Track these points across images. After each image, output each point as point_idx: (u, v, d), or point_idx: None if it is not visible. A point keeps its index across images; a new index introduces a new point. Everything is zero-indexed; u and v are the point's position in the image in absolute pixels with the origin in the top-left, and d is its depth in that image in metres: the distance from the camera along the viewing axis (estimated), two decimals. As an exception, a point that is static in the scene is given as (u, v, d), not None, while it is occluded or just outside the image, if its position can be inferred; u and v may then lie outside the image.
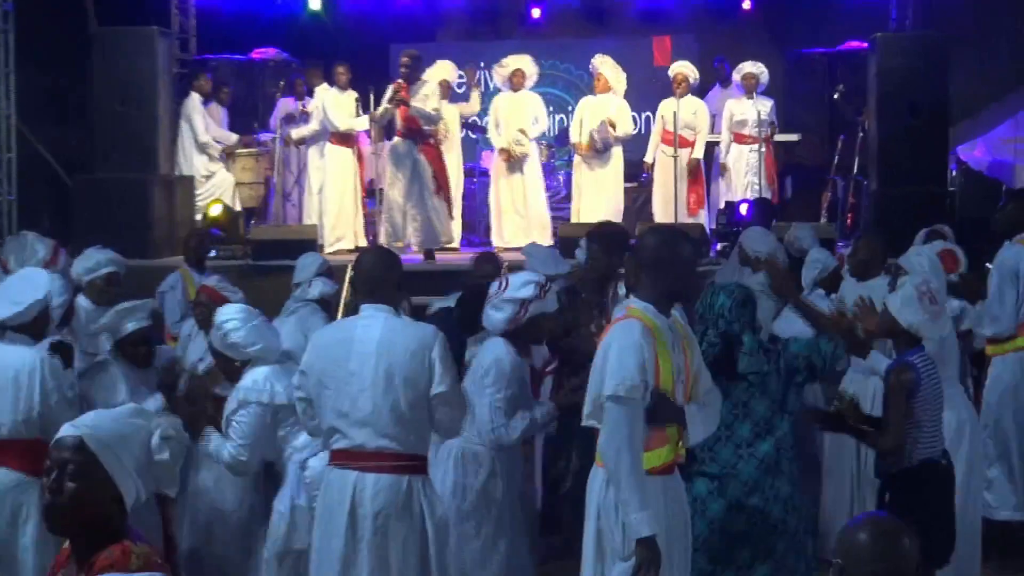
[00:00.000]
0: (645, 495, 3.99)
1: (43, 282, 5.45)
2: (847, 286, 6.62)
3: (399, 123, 10.50)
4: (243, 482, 5.33)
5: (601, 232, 6.61)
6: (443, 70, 11.58)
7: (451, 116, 11.67)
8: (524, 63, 11.79)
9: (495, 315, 5.26)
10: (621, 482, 4.01)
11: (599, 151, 11.55)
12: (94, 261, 7.30)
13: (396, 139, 10.63)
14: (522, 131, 11.53)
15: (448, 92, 11.51)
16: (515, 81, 11.71)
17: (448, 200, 10.84)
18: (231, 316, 5.16)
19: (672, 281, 4.21)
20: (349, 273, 8.53)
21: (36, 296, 5.29)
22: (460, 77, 12.03)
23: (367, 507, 4.43)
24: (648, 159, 11.92)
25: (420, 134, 10.53)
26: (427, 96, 10.48)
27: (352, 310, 7.63)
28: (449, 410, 4.55)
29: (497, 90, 12.13)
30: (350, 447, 4.47)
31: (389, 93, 10.46)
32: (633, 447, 4.02)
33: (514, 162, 11.61)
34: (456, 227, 11.47)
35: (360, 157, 11.65)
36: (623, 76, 11.63)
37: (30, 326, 5.27)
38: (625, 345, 4.06)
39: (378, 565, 4.43)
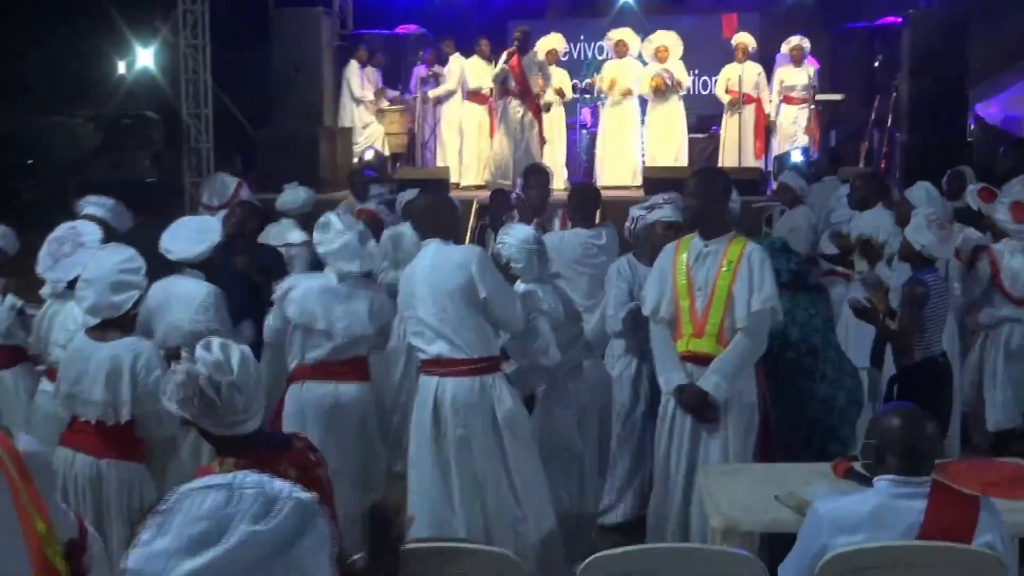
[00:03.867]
0: (665, 365, 4.92)
1: (216, 227, 5.68)
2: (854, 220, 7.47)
3: (513, 84, 11.72)
4: None
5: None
6: (552, 41, 12.71)
7: (559, 78, 12.55)
8: (626, 35, 12.66)
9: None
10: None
11: (664, 91, 12.52)
12: (302, 200, 7.96)
13: (509, 98, 11.87)
14: (628, 91, 12.50)
15: (555, 59, 12.67)
16: (619, 49, 12.65)
17: (542, 146, 12.01)
18: (524, 233, 5.22)
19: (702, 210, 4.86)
20: (475, 204, 10.13)
21: (214, 239, 5.56)
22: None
23: (447, 407, 4.75)
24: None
25: (529, 94, 11.79)
26: (534, 62, 11.81)
27: (475, 234, 9.21)
28: (497, 308, 4.78)
29: (607, 57, 12.97)
30: (430, 358, 4.82)
31: (504, 57, 11.87)
32: (656, 342, 4.97)
33: (621, 115, 12.49)
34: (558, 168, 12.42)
35: (491, 112, 12.56)
36: (681, 45, 12.75)
37: (204, 265, 5.54)
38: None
39: (461, 455, 4.77)
